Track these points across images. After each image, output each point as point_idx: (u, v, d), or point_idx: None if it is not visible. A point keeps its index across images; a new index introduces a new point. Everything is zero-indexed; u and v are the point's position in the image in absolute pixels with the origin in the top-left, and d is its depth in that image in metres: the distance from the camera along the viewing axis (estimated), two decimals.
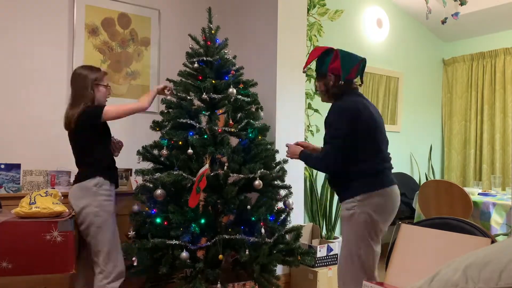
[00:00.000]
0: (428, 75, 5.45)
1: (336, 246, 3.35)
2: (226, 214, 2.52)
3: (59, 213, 2.14)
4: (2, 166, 2.75)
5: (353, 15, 4.54)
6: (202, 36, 2.72)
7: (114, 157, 2.51)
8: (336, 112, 2.08)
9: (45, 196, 2.18)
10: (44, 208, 2.09)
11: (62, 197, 2.36)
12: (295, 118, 3.32)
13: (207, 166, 2.30)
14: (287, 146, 2.36)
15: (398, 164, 4.90)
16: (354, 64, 2.18)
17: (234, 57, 2.78)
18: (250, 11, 3.55)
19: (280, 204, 2.76)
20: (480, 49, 5.20)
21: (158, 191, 2.38)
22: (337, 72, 2.16)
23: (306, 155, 2.22)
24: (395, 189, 2.12)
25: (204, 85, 2.56)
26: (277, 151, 2.79)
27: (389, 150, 2.19)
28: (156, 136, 2.75)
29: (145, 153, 2.58)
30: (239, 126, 2.61)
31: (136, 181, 2.99)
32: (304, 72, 2.40)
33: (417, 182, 4.93)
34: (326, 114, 2.15)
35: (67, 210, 2.20)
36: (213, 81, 2.59)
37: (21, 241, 2.02)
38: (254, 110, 2.71)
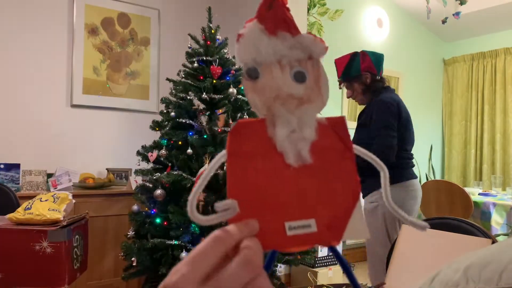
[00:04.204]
0: (429, 75, 5.44)
1: (337, 246, 3.34)
2: None
3: (54, 221, 1.87)
4: (2, 166, 2.74)
5: (353, 15, 4.54)
6: (202, 36, 2.72)
7: None
8: (381, 107, 2.13)
9: (46, 201, 1.95)
10: (37, 215, 1.85)
11: (74, 201, 2.14)
12: None
13: (206, 165, 2.30)
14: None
15: None
16: (383, 60, 2.26)
17: (234, 57, 2.78)
18: (250, 11, 3.54)
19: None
20: (481, 49, 5.19)
21: (158, 191, 2.38)
22: (371, 70, 2.22)
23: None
24: (418, 183, 2.24)
25: (204, 85, 2.55)
26: None
27: None
28: (156, 136, 2.75)
29: (145, 153, 2.57)
30: None
31: (135, 181, 2.99)
32: (340, 88, 2.43)
33: None
34: (363, 113, 2.22)
35: (63, 218, 1.92)
36: (213, 81, 2.59)
37: (11, 250, 1.81)
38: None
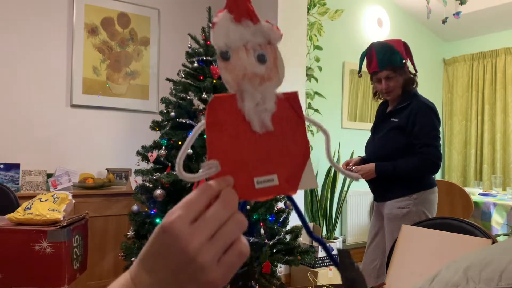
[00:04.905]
0: (429, 75, 5.43)
1: (337, 246, 3.34)
2: None
3: (54, 221, 1.87)
4: (1, 166, 2.74)
5: (353, 15, 4.54)
6: (202, 36, 2.72)
7: None
8: (430, 113, 2.04)
9: (46, 201, 1.95)
10: (37, 215, 1.85)
11: (74, 201, 2.16)
12: None
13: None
14: (356, 170, 2.16)
15: None
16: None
17: None
18: None
19: (280, 204, 2.76)
20: (481, 49, 5.18)
21: (158, 191, 2.38)
22: (412, 62, 2.10)
23: (389, 166, 2.06)
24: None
25: (204, 85, 2.55)
26: None
27: None
28: (156, 136, 2.75)
29: (145, 153, 2.57)
30: None
31: (135, 181, 2.99)
32: (360, 76, 2.30)
33: None
34: (395, 114, 2.09)
35: (63, 218, 1.92)
36: (213, 81, 2.59)
37: (10, 250, 1.81)
38: None
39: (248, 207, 2.52)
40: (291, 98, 0.49)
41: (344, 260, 0.48)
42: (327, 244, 0.51)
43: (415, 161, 2.02)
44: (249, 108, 0.46)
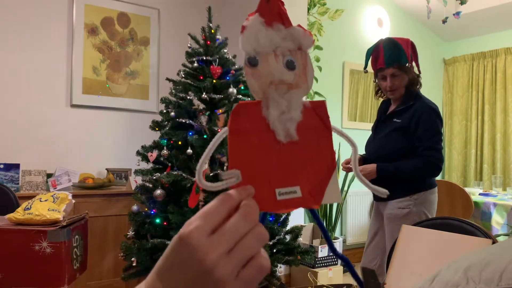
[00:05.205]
0: (429, 75, 5.43)
1: (337, 246, 3.33)
2: None
3: (53, 221, 1.87)
4: (1, 166, 2.74)
5: (353, 15, 4.53)
6: (201, 36, 2.72)
7: None
8: (433, 115, 2.03)
9: (45, 201, 1.95)
10: (37, 215, 1.85)
11: (73, 201, 2.15)
12: None
13: (206, 166, 2.29)
14: (359, 170, 2.18)
15: None
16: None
17: (234, 57, 2.77)
18: (249, 10, 3.54)
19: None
20: (481, 49, 5.18)
21: (158, 191, 2.38)
22: (416, 62, 2.08)
23: (391, 167, 2.05)
24: None
25: (204, 85, 2.55)
26: None
27: None
28: (155, 136, 2.75)
29: (145, 153, 2.57)
30: None
31: (135, 181, 2.99)
32: (365, 72, 2.23)
33: None
34: (397, 114, 2.08)
35: (62, 218, 1.92)
36: (213, 81, 2.58)
37: (10, 250, 1.81)
38: None
39: None
40: (318, 107, 0.47)
41: (368, 280, 0.47)
42: (352, 264, 0.50)
43: (417, 163, 2.02)
44: (274, 117, 0.44)
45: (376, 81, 2.22)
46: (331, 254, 3.28)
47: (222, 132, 0.44)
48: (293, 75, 0.45)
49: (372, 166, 2.10)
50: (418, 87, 2.15)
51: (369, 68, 2.28)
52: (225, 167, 2.47)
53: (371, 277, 0.47)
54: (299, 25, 0.46)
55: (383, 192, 0.49)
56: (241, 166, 0.44)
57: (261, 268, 0.40)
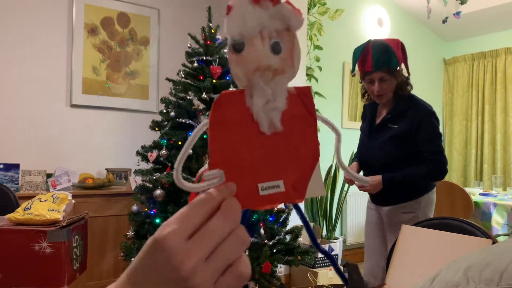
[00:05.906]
0: (429, 75, 5.43)
1: (337, 246, 3.33)
2: None
3: (53, 221, 1.87)
4: (1, 166, 2.74)
5: (353, 14, 4.53)
6: (201, 36, 2.72)
7: None
8: (432, 117, 2.00)
9: (45, 201, 1.95)
10: (37, 215, 1.84)
11: (73, 201, 2.14)
12: None
13: (206, 166, 2.29)
14: (366, 184, 2.04)
15: None
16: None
17: None
18: None
19: (280, 205, 2.75)
20: (481, 49, 5.18)
21: (158, 191, 2.37)
22: (406, 65, 2.01)
23: (397, 176, 1.99)
24: None
25: (203, 85, 2.55)
26: None
27: None
28: (155, 136, 2.75)
29: (145, 153, 2.57)
30: None
31: (135, 181, 2.99)
32: (353, 75, 2.20)
33: None
34: (394, 119, 2.03)
35: (62, 218, 1.92)
36: (213, 81, 2.58)
37: (10, 251, 1.81)
38: None
39: None
40: (303, 94, 0.44)
41: (352, 276, 0.46)
42: (334, 257, 0.48)
43: (424, 169, 1.98)
44: (258, 106, 0.41)
45: (363, 83, 2.13)
46: (331, 254, 3.28)
47: (202, 125, 0.41)
48: (278, 59, 0.42)
49: (378, 178, 2.02)
50: (409, 88, 2.08)
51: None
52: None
53: (355, 273, 0.46)
54: (287, 1, 0.42)
55: (366, 180, 0.49)
56: (221, 160, 0.41)
57: (240, 276, 0.38)
